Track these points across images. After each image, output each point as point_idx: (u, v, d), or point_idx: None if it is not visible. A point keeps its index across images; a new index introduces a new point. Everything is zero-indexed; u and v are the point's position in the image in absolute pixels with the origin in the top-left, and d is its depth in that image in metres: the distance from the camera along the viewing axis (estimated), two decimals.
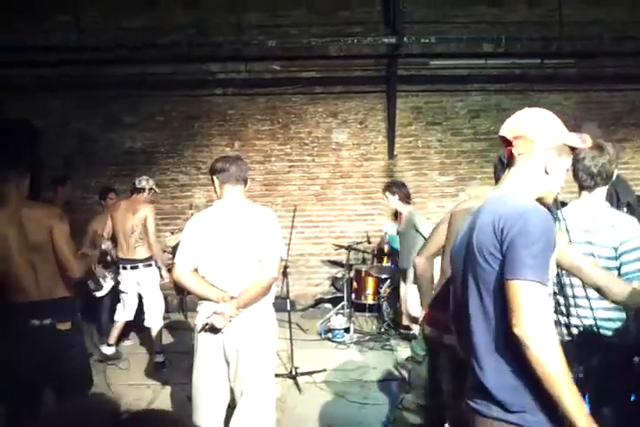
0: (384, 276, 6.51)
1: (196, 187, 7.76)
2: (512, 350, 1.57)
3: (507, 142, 1.80)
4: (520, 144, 1.76)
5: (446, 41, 7.16)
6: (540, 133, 1.75)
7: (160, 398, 4.48)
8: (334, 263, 7.50)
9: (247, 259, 2.92)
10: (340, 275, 7.32)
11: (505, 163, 2.63)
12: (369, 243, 6.98)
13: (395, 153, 7.80)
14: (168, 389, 4.55)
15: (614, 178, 2.64)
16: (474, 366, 1.68)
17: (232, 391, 3.03)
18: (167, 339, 5.63)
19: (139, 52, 6.90)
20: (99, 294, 5.81)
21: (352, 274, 6.79)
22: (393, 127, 7.67)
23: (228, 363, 2.98)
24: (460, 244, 1.83)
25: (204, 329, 2.98)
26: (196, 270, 3.01)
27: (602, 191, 2.60)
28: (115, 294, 5.95)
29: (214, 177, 3.11)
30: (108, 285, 5.85)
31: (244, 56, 7.29)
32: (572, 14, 7.04)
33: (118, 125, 7.77)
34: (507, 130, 1.80)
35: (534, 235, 1.56)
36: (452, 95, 7.81)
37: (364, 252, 7.39)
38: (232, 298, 2.89)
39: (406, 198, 5.65)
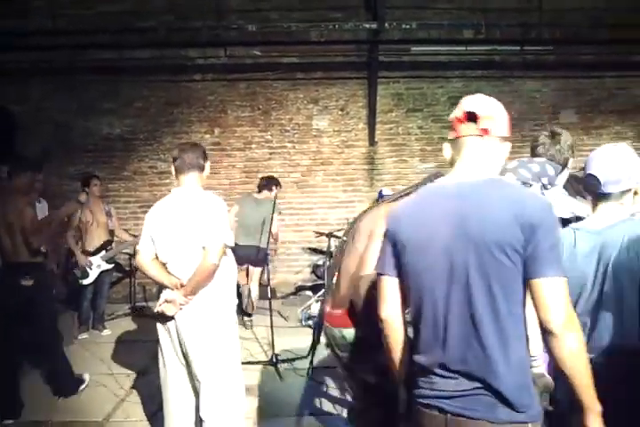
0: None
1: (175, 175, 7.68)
2: (520, 349, 1.58)
3: (471, 119, 1.70)
4: (488, 124, 1.70)
5: (427, 27, 7.12)
6: (504, 120, 1.75)
7: (140, 385, 4.47)
8: (315, 251, 7.51)
9: (193, 246, 2.94)
10: (320, 262, 7.32)
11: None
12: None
13: (375, 140, 7.79)
14: (148, 376, 4.53)
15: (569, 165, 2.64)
16: (473, 369, 1.58)
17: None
18: (147, 327, 5.59)
19: (116, 37, 6.79)
20: (85, 281, 5.81)
21: (332, 261, 6.79)
22: (374, 114, 7.65)
23: (183, 349, 3.03)
24: (432, 231, 1.66)
25: (157, 317, 3.05)
26: (157, 258, 3.07)
27: (560, 177, 2.56)
28: (98, 282, 5.92)
29: (172, 165, 3.17)
30: (93, 273, 5.81)
31: (224, 41, 7.21)
32: (552, 1, 7.05)
33: (96, 111, 7.66)
34: (476, 107, 1.70)
35: (557, 230, 1.59)
36: (433, 82, 7.81)
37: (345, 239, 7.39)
38: (182, 286, 2.95)
39: None
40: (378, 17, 6.86)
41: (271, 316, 5.11)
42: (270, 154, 7.82)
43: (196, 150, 3.15)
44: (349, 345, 2.43)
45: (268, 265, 5.61)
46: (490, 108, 1.72)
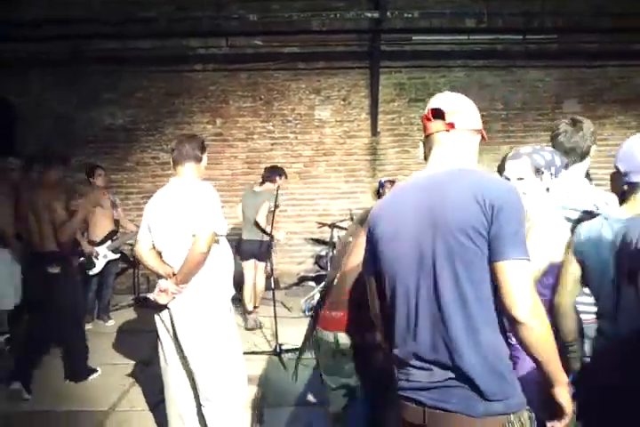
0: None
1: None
2: (491, 335, 1.55)
3: (437, 116, 1.75)
4: (455, 118, 1.73)
5: (429, 16, 7.10)
6: (473, 113, 1.79)
7: (145, 375, 4.50)
8: (317, 241, 7.51)
9: (184, 235, 2.95)
10: (323, 253, 7.34)
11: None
12: (352, 221, 6.99)
13: (378, 130, 7.78)
14: (153, 366, 4.55)
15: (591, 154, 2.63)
16: (444, 358, 1.56)
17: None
18: (150, 318, 5.62)
19: (117, 28, 6.76)
20: (91, 272, 5.81)
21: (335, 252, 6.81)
22: (376, 104, 7.64)
23: (177, 338, 3.05)
24: (403, 223, 1.68)
25: (152, 306, 3.08)
26: (154, 248, 3.11)
27: (579, 168, 2.58)
28: (104, 272, 5.94)
29: (171, 157, 3.21)
30: (100, 263, 5.83)
31: (225, 31, 7.19)
32: None
33: (97, 102, 7.65)
34: (442, 103, 1.76)
35: (521, 213, 1.57)
36: (435, 71, 7.78)
37: (347, 229, 7.40)
38: (174, 274, 2.98)
39: None
40: (380, 6, 6.83)
41: (274, 306, 5.13)
42: (272, 144, 7.81)
43: (192, 142, 3.18)
44: (339, 351, 2.35)
45: (270, 257, 5.64)
46: (455, 103, 1.76)
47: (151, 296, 3.03)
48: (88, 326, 5.83)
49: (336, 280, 2.48)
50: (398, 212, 1.71)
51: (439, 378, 1.56)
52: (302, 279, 7.71)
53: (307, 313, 6.20)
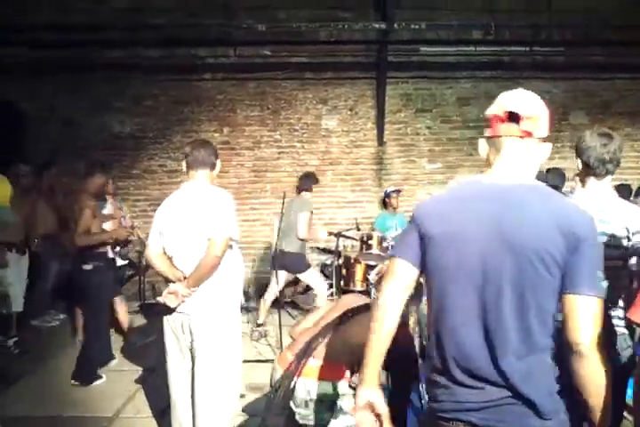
0: (373, 263, 6.53)
1: (185, 173, 7.71)
2: (547, 357, 1.55)
3: (512, 120, 1.61)
4: (530, 125, 1.60)
5: (436, 27, 7.16)
6: (546, 119, 1.65)
7: (151, 381, 4.51)
8: (323, 250, 7.52)
9: (198, 239, 2.97)
10: (329, 262, 7.34)
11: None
12: (358, 230, 7.00)
13: (384, 140, 7.81)
14: (158, 372, 4.54)
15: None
16: (500, 377, 1.52)
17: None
18: (156, 324, 5.64)
19: (127, 35, 6.83)
20: None
21: (341, 261, 6.81)
22: (382, 114, 7.67)
23: (189, 341, 3.07)
24: (466, 231, 1.58)
25: (161, 309, 3.09)
26: (164, 253, 3.12)
27: (609, 179, 2.56)
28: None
29: (184, 161, 3.22)
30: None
31: (234, 40, 7.26)
32: (561, 2, 7.04)
33: (106, 110, 7.70)
34: (519, 107, 1.60)
35: (600, 247, 1.55)
36: (442, 82, 7.81)
37: (353, 239, 7.40)
38: (185, 278, 2.99)
39: None
40: (387, 17, 6.88)
41: (280, 314, 5.15)
42: (279, 153, 7.84)
43: (207, 148, 3.20)
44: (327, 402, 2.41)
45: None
46: (533, 108, 1.62)
47: (160, 299, 3.03)
48: None
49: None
50: (458, 217, 1.61)
51: (493, 397, 1.52)
52: (308, 288, 7.70)
53: None
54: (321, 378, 2.51)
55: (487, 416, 1.52)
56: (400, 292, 1.71)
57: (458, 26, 7.17)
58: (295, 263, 5.77)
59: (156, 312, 3.18)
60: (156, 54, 7.38)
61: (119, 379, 4.61)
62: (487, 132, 1.70)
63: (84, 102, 7.64)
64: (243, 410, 3.84)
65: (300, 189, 5.99)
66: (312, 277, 5.96)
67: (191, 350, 3.07)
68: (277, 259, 5.57)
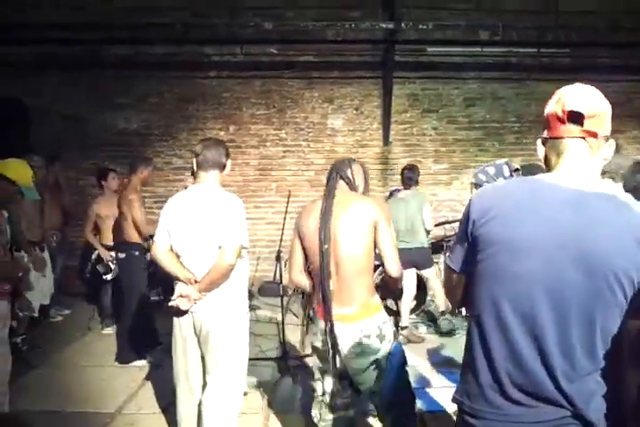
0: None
1: (190, 170, 7.71)
2: (600, 379, 1.52)
3: (575, 120, 1.49)
4: (593, 124, 1.49)
5: (443, 28, 7.14)
6: (609, 116, 1.53)
7: (153, 378, 4.53)
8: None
9: (209, 244, 2.97)
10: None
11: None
12: None
13: (390, 140, 7.80)
14: (160, 370, 4.58)
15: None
16: (558, 396, 1.45)
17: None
18: (160, 321, 5.66)
19: (134, 33, 6.84)
20: (108, 276, 5.73)
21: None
22: (388, 114, 7.67)
23: (199, 342, 3.08)
24: (532, 235, 1.45)
25: (173, 310, 3.09)
26: (171, 249, 3.10)
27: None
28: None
29: (194, 160, 3.18)
30: (115, 267, 5.78)
31: (240, 39, 7.26)
32: (569, 3, 7.04)
33: (112, 106, 7.72)
34: (581, 105, 1.48)
35: None
36: (448, 83, 7.80)
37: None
38: (196, 281, 2.98)
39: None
40: (394, 17, 6.88)
41: (283, 313, 5.14)
42: (284, 152, 7.85)
43: (219, 147, 3.15)
44: (365, 336, 2.56)
45: (279, 262, 5.61)
46: (596, 106, 1.50)
47: (172, 303, 3.04)
48: (108, 330, 5.82)
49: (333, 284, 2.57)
50: (525, 220, 1.46)
51: (548, 417, 1.45)
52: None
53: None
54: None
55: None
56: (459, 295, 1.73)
57: (465, 26, 7.15)
58: (424, 258, 5.68)
59: (163, 310, 3.19)
60: (162, 51, 7.40)
61: (122, 375, 4.63)
62: (545, 133, 1.58)
63: (90, 99, 7.66)
64: (246, 408, 3.85)
65: (408, 184, 5.69)
66: (433, 274, 5.84)
67: (200, 350, 3.08)
68: (407, 257, 5.10)
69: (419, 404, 3.21)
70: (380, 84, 7.78)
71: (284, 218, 5.43)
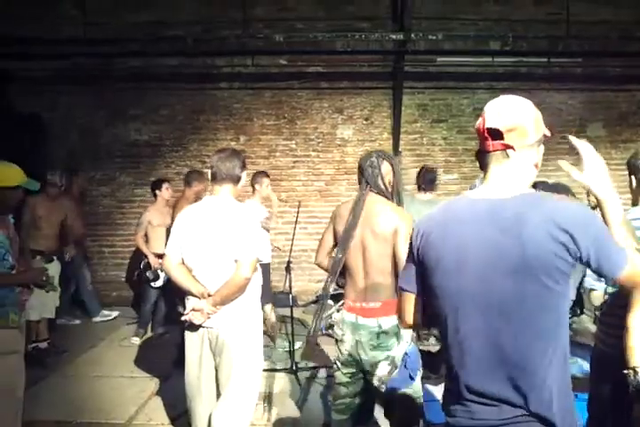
0: None
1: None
2: (564, 374, 1.56)
3: (494, 135, 1.60)
4: (514, 137, 1.58)
5: (453, 38, 7.15)
6: (532, 124, 1.61)
7: (163, 389, 4.52)
8: None
9: (224, 258, 2.94)
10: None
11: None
12: None
13: (400, 150, 7.80)
14: (170, 381, 4.58)
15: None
16: (515, 397, 1.52)
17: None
18: (175, 332, 5.68)
19: (145, 46, 6.90)
20: (156, 284, 5.82)
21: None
22: (398, 124, 7.67)
23: (213, 355, 3.06)
24: (472, 257, 1.56)
25: (186, 324, 3.07)
26: (184, 262, 3.07)
27: None
28: (166, 285, 5.86)
29: (209, 171, 3.14)
30: (164, 275, 5.73)
31: (251, 50, 7.29)
32: (579, 13, 7.02)
33: (124, 118, 7.78)
34: (498, 121, 1.58)
35: (596, 220, 1.53)
36: (458, 93, 7.80)
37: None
38: (210, 295, 2.95)
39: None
40: (404, 27, 6.90)
41: (292, 324, 5.14)
42: (294, 162, 7.86)
43: (233, 159, 3.08)
44: (383, 332, 2.73)
45: (289, 273, 5.62)
46: (514, 119, 1.59)
47: (185, 317, 3.02)
48: (135, 340, 5.92)
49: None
50: (457, 239, 1.60)
51: (509, 415, 1.52)
52: (320, 297, 7.68)
53: (323, 331, 6.16)
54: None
55: None
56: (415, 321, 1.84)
57: (475, 36, 7.17)
58: None
59: (177, 322, 3.19)
60: (174, 63, 7.45)
61: (132, 386, 4.64)
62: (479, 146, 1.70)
63: (103, 111, 7.74)
64: (255, 419, 3.83)
65: (429, 187, 5.39)
66: None
67: (215, 362, 3.06)
68: None
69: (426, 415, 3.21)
70: (390, 94, 7.79)
71: (294, 228, 5.42)
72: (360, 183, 2.92)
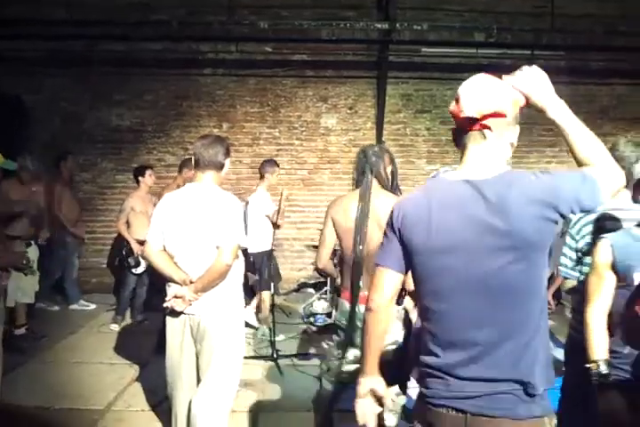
0: None
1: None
2: (545, 347, 1.61)
3: (470, 121, 1.63)
4: (491, 121, 1.62)
5: (438, 28, 7.14)
6: (509, 105, 1.65)
7: (142, 375, 4.52)
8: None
9: (205, 244, 2.94)
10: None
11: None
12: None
13: (383, 140, 7.80)
14: (150, 367, 4.58)
15: None
16: (497, 373, 1.57)
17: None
18: (155, 318, 5.66)
19: (129, 30, 6.80)
20: (138, 270, 5.82)
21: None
22: (382, 114, 7.68)
23: (195, 341, 3.06)
24: (459, 238, 1.60)
25: (167, 311, 3.07)
26: (165, 249, 3.05)
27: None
28: (146, 271, 5.91)
29: (193, 157, 3.12)
30: (145, 261, 5.71)
31: (235, 36, 7.24)
32: (564, 6, 7.06)
33: (106, 103, 7.70)
34: (475, 108, 1.61)
35: (555, 173, 1.60)
36: (442, 84, 7.81)
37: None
38: (191, 282, 2.94)
39: None
40: (389, 17, 6.90)
41: (273, 312, 5.15)
42: (277, 151, 7.84)
43: (216, 146, 3.05)
44: None
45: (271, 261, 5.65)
46: (490, 104, 1.62)
47: (167, 304, 3.01)
48: (114, 326, 5.91)
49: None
50: (441, 221, 1.63)
51: (489, 389, 1.56)
52: (302, 286, 7.72)
53: (304, 320, 6.20)
54: None
55: (480, 404, 1.56)
56: (389, 298, 1.79)
57: (460, 27, 7.18)
58: None
59: (159, 309, 3.18)
60: (158, 48, 7.37)
61: (111, 373, 4.63)
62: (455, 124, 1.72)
63: (86, 95, 7.65)
64: (236, 406, 3.85)
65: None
66: None
67: (195, 349, 3.06)
68: None
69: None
70: (375, 83, 7.79)
71: (277, 217, 5.42)
72: (358, 171, 2.95)
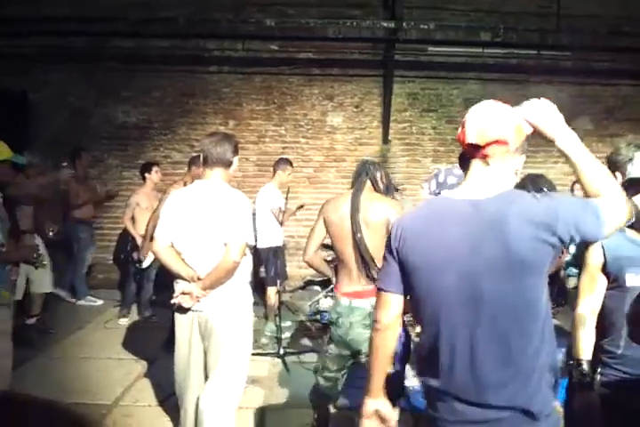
0: None
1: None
2: (545, 372, 1.60)
3: (475, 147, 1.65)
4: (494, 148, 1.63)
5: (445, 28, 7.16)
6: (512, 134, 1.63)
7: (150, 371, 4.56)
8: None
9: (214, 241, 2.95)
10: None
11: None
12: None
13: (389, 138, 7.83)
14: (157, 363, 4.61)
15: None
16: (503, 399, 1.56)
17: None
18: (164, 314, 5.69)
19: (136, 26, 6.83)
20: (144, 264, 5.82)
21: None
22: (388, 112, 7.69)
23: (202, 338, 3.08)
24: (456, 258, 1.60)
25: (175, 308, 3.09)
26: (173, 246, 3.07)
27: None
28: (151, 266, 5.91)
29: (201, 154, 3.13)
30: (151, 257, 5.67)
31: (242, 34, 7.27)
32: (570, 7, 7.06)
33: (114, 99, 7.73)
34: (478, 136, 1.62)
35: (555, 196, 1.64)
36: (449, 83, 7.83)
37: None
38: (199, 279, 2.96)
39: None
40: (396, 16, 6.91)
41: (279, 309, 5.18)
42: (283, 148, 7.86)
43: (224, 144, 3.06)
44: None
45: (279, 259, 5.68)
46: (495, 132, 1.62)
47: (175, 300, 3.03)
48: (124, 321, 5.98)
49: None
50: (440, 240, 1.63)
51: (494, 416, 1.57)
52: (308, 283, 7.74)
53: (311, 317, 6.23)
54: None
55: None
56: (394, 317, 1.81)
57: (466, 27, 7.20)
58: None
59: (167, 306, 3.20)
60: (165, 45, 7.40)
61: (118, 368, 4.67)
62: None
63: (92, 92, 7.68)
64: (243, 403, 3.88)
65: None
66: None
67: (203, 345, 3.08)
68: None
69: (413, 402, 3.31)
70: (381, 82, 7.80)
71: (283, 214, 5.45)
72: (355, 175, 3.15)
